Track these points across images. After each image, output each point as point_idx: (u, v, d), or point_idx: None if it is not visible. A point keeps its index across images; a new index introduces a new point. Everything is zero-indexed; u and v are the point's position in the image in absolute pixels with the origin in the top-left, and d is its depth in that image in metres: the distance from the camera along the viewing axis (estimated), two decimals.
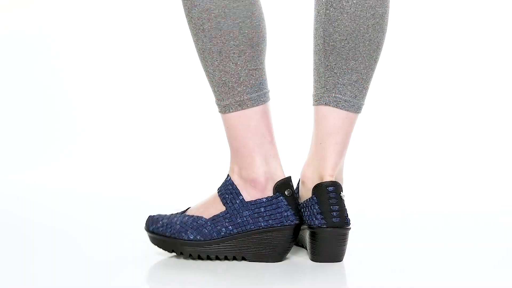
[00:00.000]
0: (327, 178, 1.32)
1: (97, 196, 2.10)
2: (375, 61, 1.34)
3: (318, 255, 1.31)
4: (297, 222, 1.31)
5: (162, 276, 1.27)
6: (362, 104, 1.35)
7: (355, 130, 1.36)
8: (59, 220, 1.75)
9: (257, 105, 1.32)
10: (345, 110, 1.33)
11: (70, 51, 2.70)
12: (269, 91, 1.35)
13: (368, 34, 1.31)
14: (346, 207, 1.31)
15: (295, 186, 1.40)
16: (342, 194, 1.32)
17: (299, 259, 1.35)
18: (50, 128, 2.60)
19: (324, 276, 1.26)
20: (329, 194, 1.30)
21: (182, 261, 1.34)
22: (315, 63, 1.35)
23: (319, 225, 1.30)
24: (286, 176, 1.34)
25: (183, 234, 1.34)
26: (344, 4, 1.31)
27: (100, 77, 2.70)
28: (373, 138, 2.43)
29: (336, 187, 1.31)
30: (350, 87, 1.33)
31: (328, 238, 1.30)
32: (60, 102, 2.65)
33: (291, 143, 2.13)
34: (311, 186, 1.34)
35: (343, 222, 1.29)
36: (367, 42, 1.32)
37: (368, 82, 1.34)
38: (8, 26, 2.70)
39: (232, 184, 1.34)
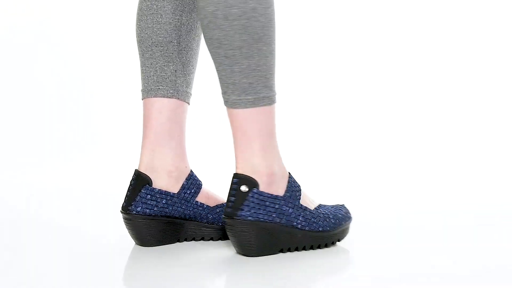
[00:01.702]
0: (237, 171, 1.36)
1: (97, 196, 2.10)
2: (220, 56, 1.33)
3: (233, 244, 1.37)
4: (136, 210, 1.42)
5: (162, 276, 1.27)
6: (237, 100, 1.34)
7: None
8: (58, 220, 1.76)
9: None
10: (229, 107, 1.36)
11: (70, 51, 2.70)
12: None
13: (205, 33, 1.35)
14: (249, 201, 1.32)
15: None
16: (244, 188, 1.33)
17: (299, 259, 1.35)
18: (50, 128, 2.60)
19: (324, 275, 1.26)
20: (232, 185, 1.34)
21: (179, 261, 1.34)
22: None
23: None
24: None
25: None
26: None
27: (101, 77, 2.70)
28: (373, 138, 2.44)
29: (239, 179, 1.34)
30: (222, 85, 1.36)
31: (228, 228, 1.34)
32: (60, 102, 2.65)
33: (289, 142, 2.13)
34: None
35: (232, 213, 1.32)
36: (209, 41, 1.34)
37: (226, 76, 1.34)
38: (8, 25, 2.71)
39: None
